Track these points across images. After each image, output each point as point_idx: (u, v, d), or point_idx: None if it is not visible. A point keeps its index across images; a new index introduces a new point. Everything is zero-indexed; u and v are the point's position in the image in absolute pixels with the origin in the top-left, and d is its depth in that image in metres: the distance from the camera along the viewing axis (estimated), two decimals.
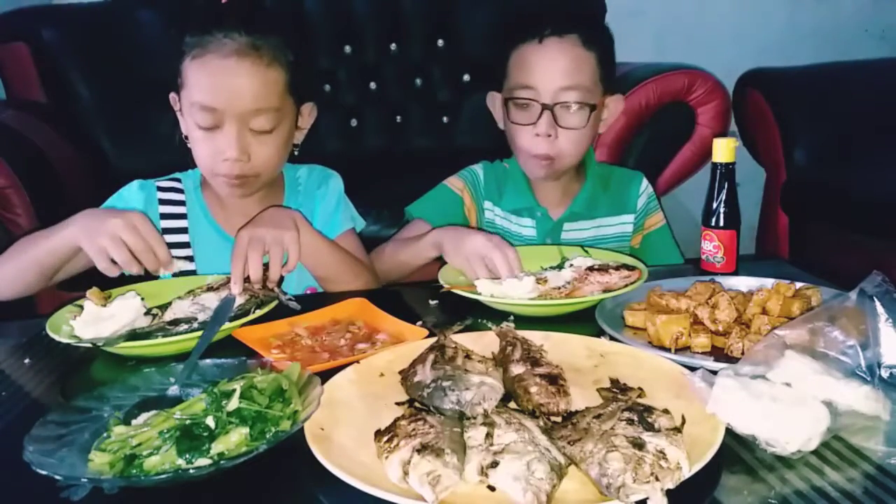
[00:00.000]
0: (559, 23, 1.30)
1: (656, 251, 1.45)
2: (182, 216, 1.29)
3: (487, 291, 1.05)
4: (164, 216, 1.28)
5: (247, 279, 1.06)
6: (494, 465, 0.60)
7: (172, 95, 1.21)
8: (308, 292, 1.28)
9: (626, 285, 1.03)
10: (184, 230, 1.28)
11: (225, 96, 1.12)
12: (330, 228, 1.30)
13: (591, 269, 1.09)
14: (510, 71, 1.35)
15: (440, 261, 1.22)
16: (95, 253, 1.03)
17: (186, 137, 1.21)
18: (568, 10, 1.37)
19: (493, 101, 1.42)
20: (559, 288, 1.07)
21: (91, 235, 1.04)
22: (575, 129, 1.31)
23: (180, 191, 1.31)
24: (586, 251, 1.22)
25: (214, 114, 1.13)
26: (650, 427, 0.61)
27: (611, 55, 1.37)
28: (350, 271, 1.24)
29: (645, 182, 1.48)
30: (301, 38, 1.28)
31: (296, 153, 1.29)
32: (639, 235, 1.47)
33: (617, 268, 1.07)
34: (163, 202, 1.28)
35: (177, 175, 1.33)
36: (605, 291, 1.03)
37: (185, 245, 1.27)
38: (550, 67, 1.29)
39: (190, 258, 1.27)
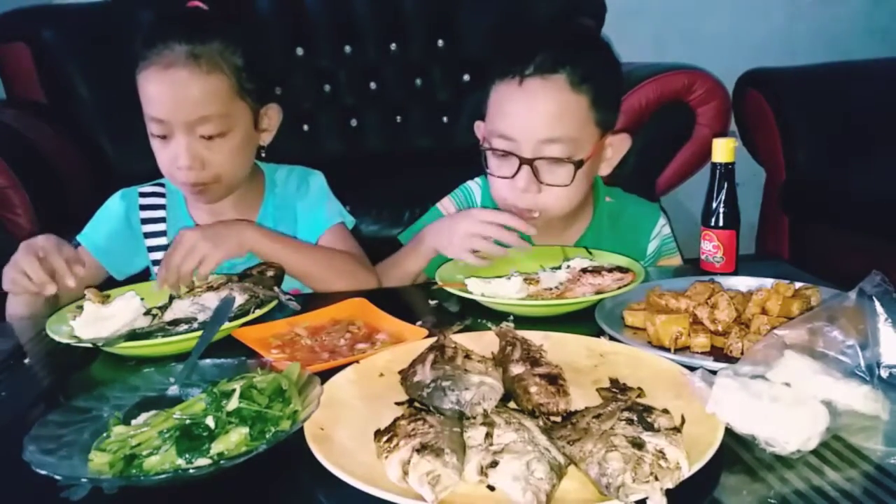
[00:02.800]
0: (545, 59, 1.12)
1: None
2: (161, 220, 1.31)
3: (478, 290, 1.06)
4: (144, 221, 1.31)
5: (246, 279, 1.06)
6: (494, 464, 0.60)
7: None
8: (292, 293, 1.27)
9: (618, 288, 1.03)
10: (163, 234, 1.31)
11: (168, 106, 1.14)
12: (315, 226, 1.30)
13: (584, 270, 1.08)
14: (489, 109, 1.19)
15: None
16: (10, 290, 1.06)
17: None
18: (562, 38, 1.22)
19: (481, 132, 1.26)
20: (551, 289, 1.07)
21: (6, 274, 1.07)
22: (559, 185, 1.16)
23: (162, 195, 1.33)
24: (590, 253, 1.22)
25: (162, 124, 1.15)
26: (650, 427, 0.61)
27: (611, 90, 1.21)
28: (330, 269, 1.22)
29: (661, 223, 1.33)
30: (253, 40, 1.25)
31: (262, 154, 1.29)
32: None
33: (610, 270, 1.06)
34: (143, 207, 1.31)
35: (161, 180, 1.34)
36: (597, 293, 1.03)
37: (165, 248, 1.28)
38: (530, 116, 1.13)
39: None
